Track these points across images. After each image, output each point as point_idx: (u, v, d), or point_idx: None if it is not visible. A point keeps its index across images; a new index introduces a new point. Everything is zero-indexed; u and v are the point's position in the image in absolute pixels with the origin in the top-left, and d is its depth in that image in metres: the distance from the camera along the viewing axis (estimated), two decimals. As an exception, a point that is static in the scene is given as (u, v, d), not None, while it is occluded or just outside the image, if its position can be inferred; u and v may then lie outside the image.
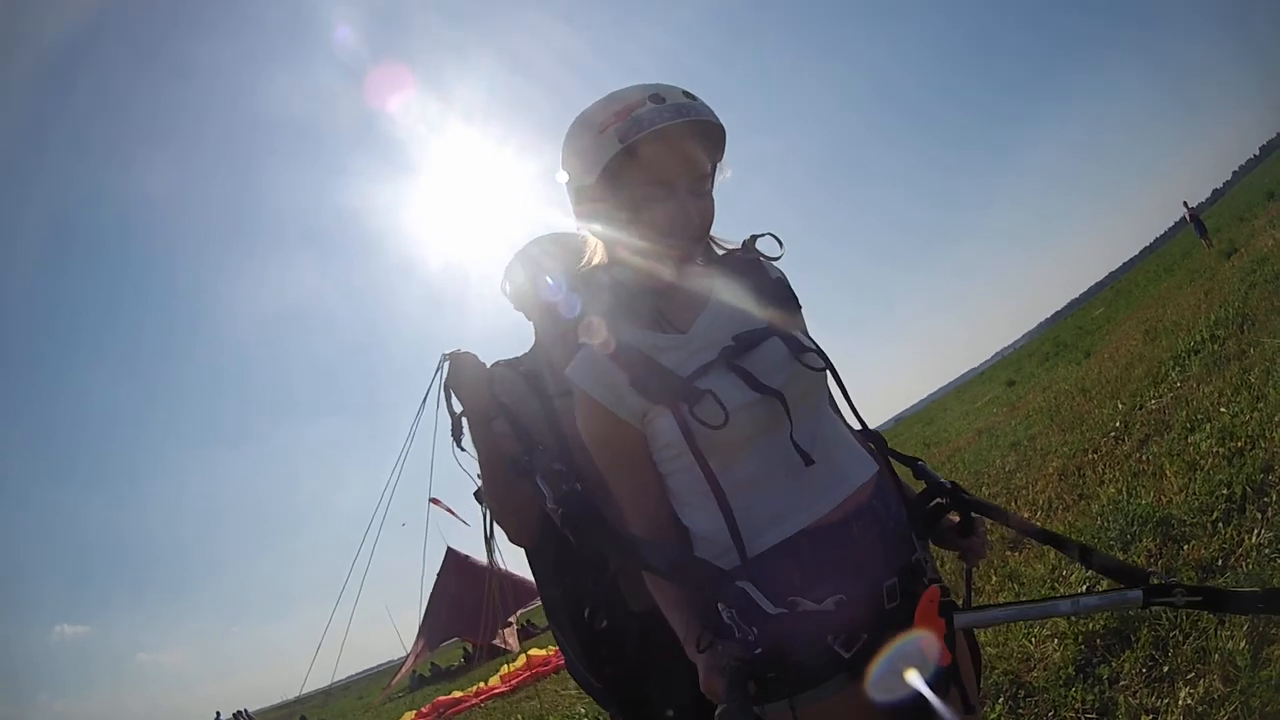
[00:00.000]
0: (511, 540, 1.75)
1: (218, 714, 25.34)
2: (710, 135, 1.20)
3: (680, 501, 1.20)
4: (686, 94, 1.17)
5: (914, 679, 1.04)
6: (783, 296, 1.27)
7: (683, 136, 1.15)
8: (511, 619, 18.77)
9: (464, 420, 1.67)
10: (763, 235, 1.27)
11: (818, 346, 1.21)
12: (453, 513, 2.20)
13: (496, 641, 18.96)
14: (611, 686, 1.69)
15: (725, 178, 1.24)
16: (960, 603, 1.17)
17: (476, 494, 1.77)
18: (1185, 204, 22.41)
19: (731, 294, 1.23)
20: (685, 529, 1.20)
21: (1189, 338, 6.96)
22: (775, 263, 1.30)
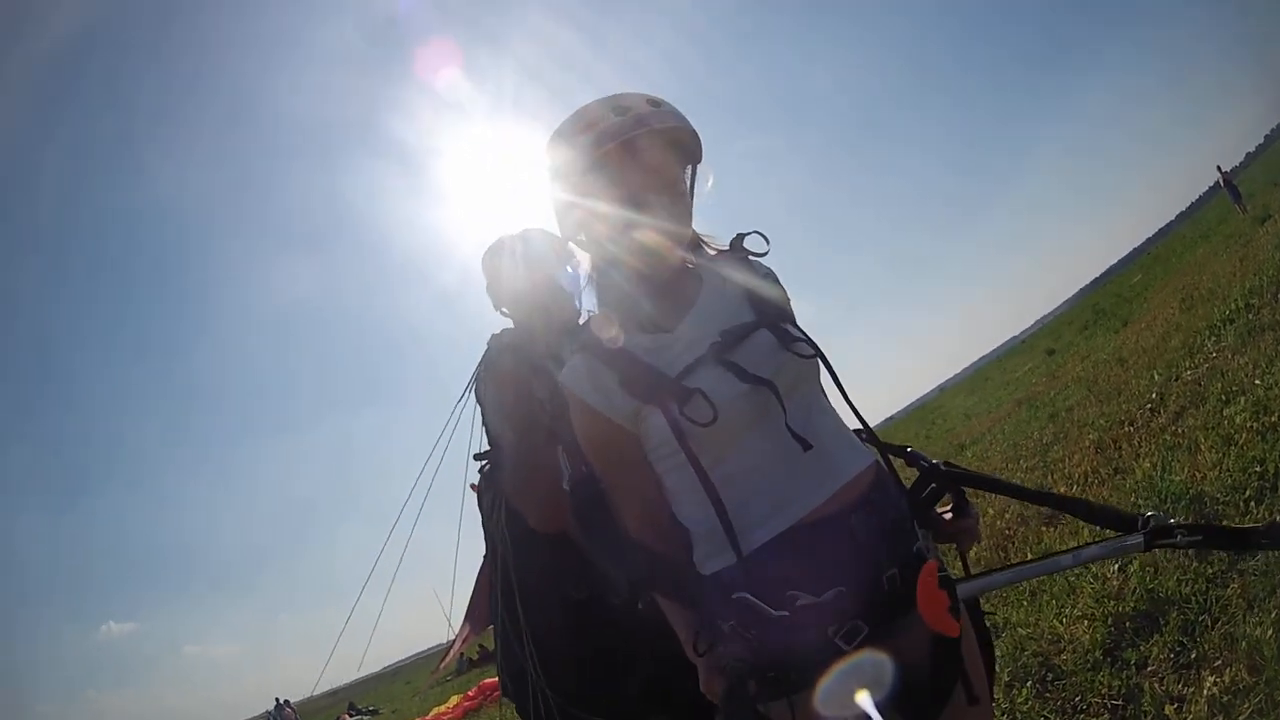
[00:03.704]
0: (536, 523, 1.64)
1: (276, 700, 25.70)
2: (678, 141, 1.24)
3: (676, 500, 1.21)
4: (651, 101, 1.21)
5: (864, 701, 1.03)
6: (771, 291, 1.28)
7: (646, 146, 1.19)
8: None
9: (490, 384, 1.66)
10: (749, 233, 1.29)
11: (807, 336, 1.22)
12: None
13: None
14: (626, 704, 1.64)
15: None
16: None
17: (481, 480, 1.72)
18: (1219, 168, 21.72)
19: (719, 292, 1.26)
20: (685, 528, 1.20)
21: (1224, 306, 6.78)
22: (762, 258, 1.31)
